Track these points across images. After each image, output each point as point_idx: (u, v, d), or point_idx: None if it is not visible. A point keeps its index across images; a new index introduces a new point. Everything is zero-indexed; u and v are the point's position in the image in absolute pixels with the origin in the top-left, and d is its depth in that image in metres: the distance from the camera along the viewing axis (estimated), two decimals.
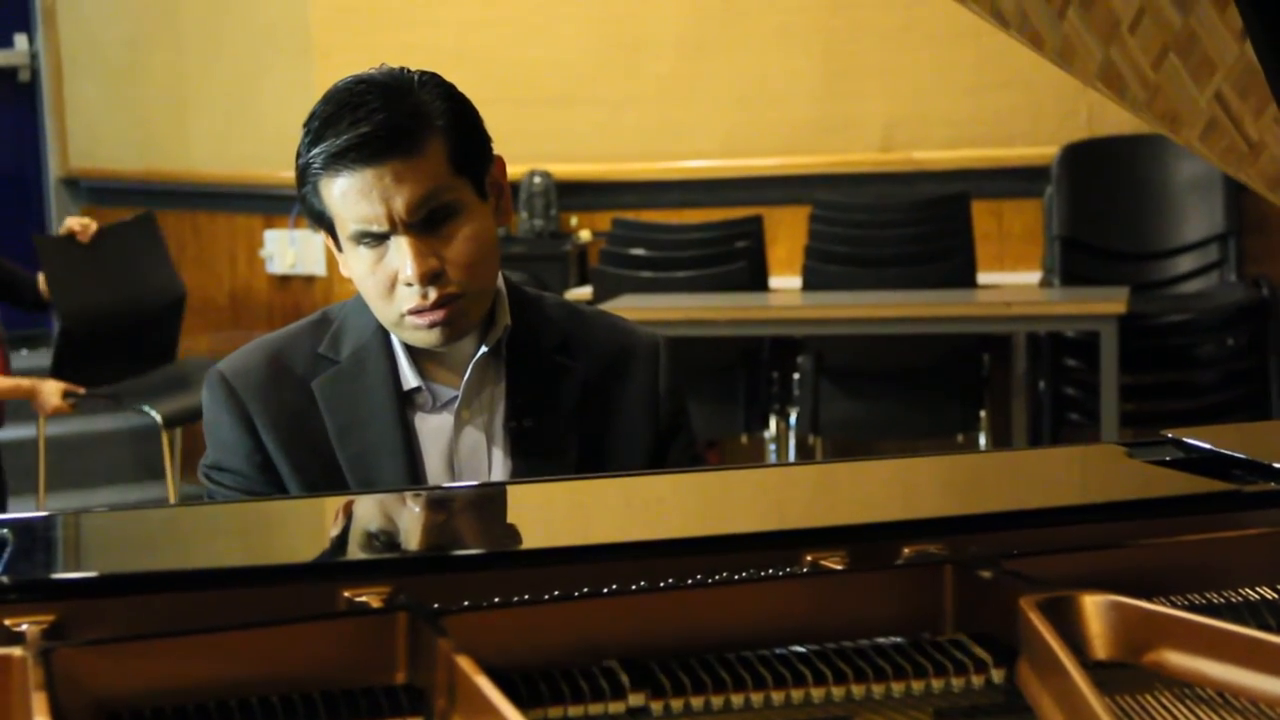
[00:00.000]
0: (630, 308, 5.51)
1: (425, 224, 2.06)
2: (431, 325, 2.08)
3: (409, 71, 2.11)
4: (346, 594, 1.48)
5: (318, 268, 7.16)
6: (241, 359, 2.18)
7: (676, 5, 6.84)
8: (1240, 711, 1.32)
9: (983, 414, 6.11)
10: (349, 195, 2.04)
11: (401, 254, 2.05)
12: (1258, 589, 1.52)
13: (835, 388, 6.18)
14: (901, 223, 6.32)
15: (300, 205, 2.14)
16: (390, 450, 2.11)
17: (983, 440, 6.09)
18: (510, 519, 1.73)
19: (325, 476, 2.10)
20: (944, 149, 6.63)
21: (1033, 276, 6.42)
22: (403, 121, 2.03)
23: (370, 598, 1.47)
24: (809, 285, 6.16)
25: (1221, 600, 1.52)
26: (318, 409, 2.14)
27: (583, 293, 6.26)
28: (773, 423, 6.26)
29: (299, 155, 2.09)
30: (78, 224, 6.27)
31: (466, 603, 1.43)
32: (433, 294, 2.07)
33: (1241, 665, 1.31)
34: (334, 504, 1.80)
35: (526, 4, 6.93)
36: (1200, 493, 1.52)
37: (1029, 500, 1.61)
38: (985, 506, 1.59)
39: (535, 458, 2.13)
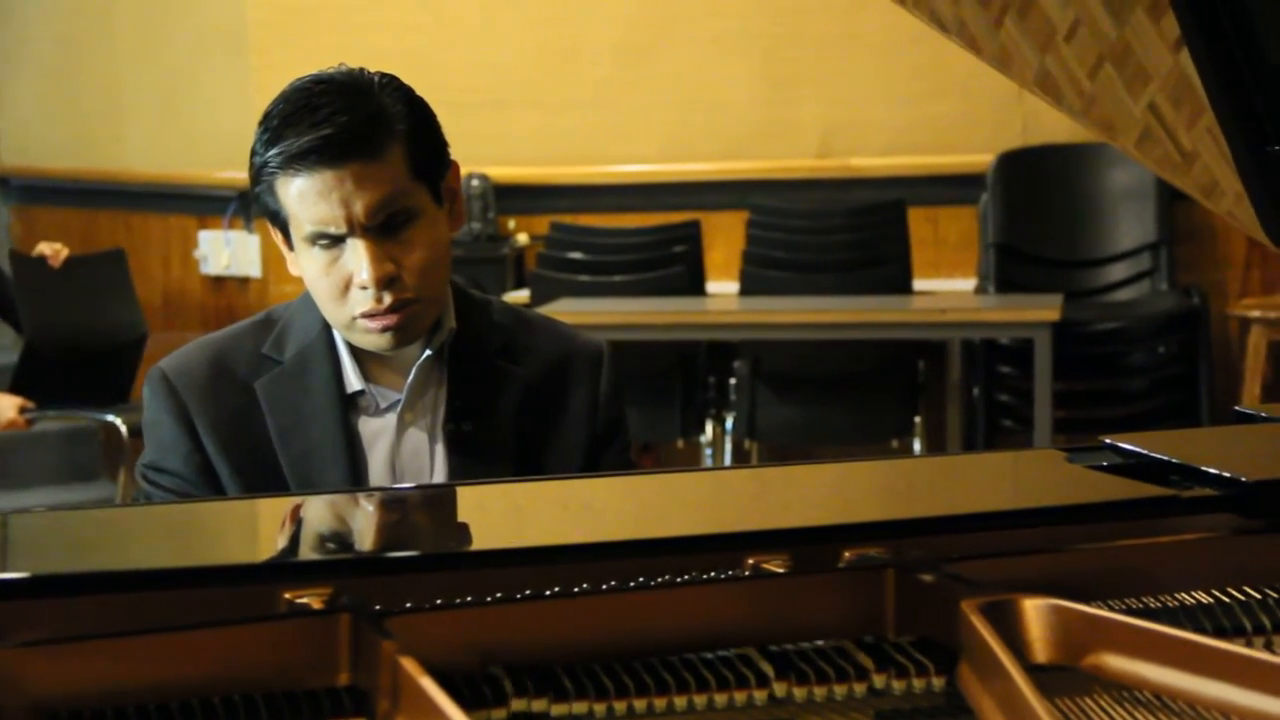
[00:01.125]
0: (567, 311, 5.51)
1: (383, 228, 2.05)
2: (384, 329, 2.08)
3: (368, 73, 2.10)
4: (287, 595, 1.47)
5: (253, 269, 7.12)
6: (183, 358, 2.17)
7: (615, 10, 6.84)
8: (1178, 714, 1.33)
9: (917, 419, 6.14)
10: (307, 196, 2.03)
11: (358, 257, 2.05)
12: (1193, 593, 1.54)
13: (771, 393, 6.20)
14: (838, 229, 6.35)
15: (254, 202, 2.13)
16: (332, 452, 2.10)
17: (917, 446, 6.13)
18: (452, 521, 1.73)
19: (266, 478, 2.09)
20: (881, 156, 6.66)
21: (968, 283, 6.46)
22: (364, 124, 2.03)
23: (311, 599, 1.46)
24: (746, 290, 6.18)
25: (1158, 605, 1.53)
26: (260, 409, 2.13)
27: (520, 296, 6.26)
28: (709, 427, 6.27)
29: (254, 153, 2.07)
30: (49, 249, 6.34)
31: (409, 604, 1.43)
32: (387, 298, 2.06)
33: (1180, 668, 1.33)
34: (274, 505, 1.79)
35: (465, 7, 6.92)
36: (1140, 498, 1.54)
37: (972, 504, 1.62)
38: (929, 510, 1.60)
39: (474, 461, 2.12)
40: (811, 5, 6.70)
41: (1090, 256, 6.42)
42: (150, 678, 1.31)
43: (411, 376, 2.14)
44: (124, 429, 6.11)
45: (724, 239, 6.67)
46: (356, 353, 2.15)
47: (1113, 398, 6.22)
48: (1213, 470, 1.59)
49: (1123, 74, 2.47)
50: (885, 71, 6.64)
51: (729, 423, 6.21)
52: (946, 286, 6.45)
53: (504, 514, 1.72)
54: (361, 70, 2.12)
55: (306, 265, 2.10)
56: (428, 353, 2.14)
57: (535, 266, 6.40)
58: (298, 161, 2.02)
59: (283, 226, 2.10)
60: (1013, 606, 1.38)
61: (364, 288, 2.05)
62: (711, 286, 6.42)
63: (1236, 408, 1.84)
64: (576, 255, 6.36)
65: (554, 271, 6.24)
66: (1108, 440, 1.74)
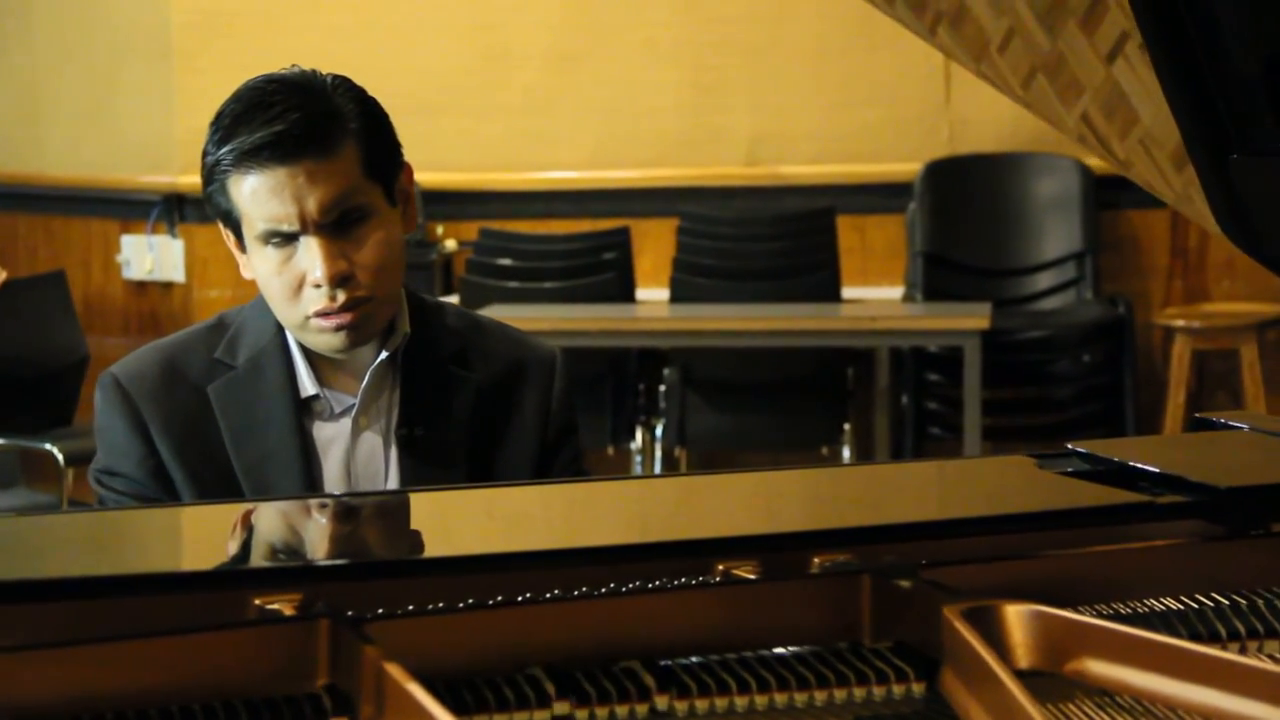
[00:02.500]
0: (496, 318, 5.48)
1: (336, 226, 2.04)
2: (338, 329, 2.06)
3: (321, 74, 2.09)
4: (257, 601, 1.45)
5: (177, 274, 7.06)
6: (135, 362, 2.14)
7: (544, 16, 6.83)
8: (1159, 719, 1.34)
9: (847, 426, 6.16)
10: (259, 193, 2.02)
11: (311, 255, 2.03)
12: (1163, 599, 1.55)
13: (701, 400, 6.20)
14: (767, 236, 6.37)
15: (206, 203, 2.11)
16: (287, 458, 2.09)
17: (846, 453, 6.15)
18: (419, 527, 1.71)
19: (220, 483, 2.07)
20: (809, 164, 6.68)
21: (895, 291, 6.49)
22: (318, 121, 2.02)
23: (282, 605, 1.45)
24: (676, 297, 6.19)
25: (1128, 610, 1.54)
26: (213, 414, 2.11)
27: (448, 302, 6.22)
28: (639, 434, 6.26)
29: (206, 153, 2.06)
30: None
31: (380, 610, 1.41)
32: (341, 296, 2.05)
33: (1163, 673, 1.33)
34: (239, 510, 1.77)
35: (393, 12, 6.89)
36: (1119, 503, 1.54)
37: (954, 510, 1.62)
38: (909, 516, 1.60)
39: (427, 466, 2.11)
40: (740, 14, 6.71)
41: (1016, 265, 6.47)
42: (127, 684, 1.29)
43: (366, 381, 2.12)
44: (60, 457, 5.96)
45: (653, 246, 6.67)
46: (310, 357, 2.14)
47: (1038, 406, 6.27)
48: (1186, 477, 1.59)
49: (1055, 84, 2.49)
50: (814, 80, 6.66)
51: (659, 430, 6.21)
52: (874, 295, 6.48)
53: (471, 520, 1.71)
54: (314, 71, 2.11)
55: (259, 265, 2.08)
56: (383, 356, 2.13)
57: (464, 272, 6.38)
58: (250, 159, 2.01)
59: (235, 227, 2.09)
60: (995, 612, 1.38)
61: (317, 285, 2.04)
62: (641, 294, 6.42)
63: (1197, 414, 1.85)
64: (506, 262, 6.34)
65: (483, 278, 6.22)
66: (1073, 447, 1.74)
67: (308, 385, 2.13)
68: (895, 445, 6.19)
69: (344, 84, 2.09)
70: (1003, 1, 2.44)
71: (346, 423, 2.13)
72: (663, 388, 6.23)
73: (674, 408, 6.18)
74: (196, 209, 6.99)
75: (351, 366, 2.15)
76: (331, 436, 2.13)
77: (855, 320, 5.84)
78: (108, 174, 7.19)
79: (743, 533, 1.56)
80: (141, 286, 7.21)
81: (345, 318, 2.06)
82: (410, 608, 1.42)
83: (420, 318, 2.18)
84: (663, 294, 6.33)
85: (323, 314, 2.05)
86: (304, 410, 2.13)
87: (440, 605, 1.43)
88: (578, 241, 6.42)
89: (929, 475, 1.84)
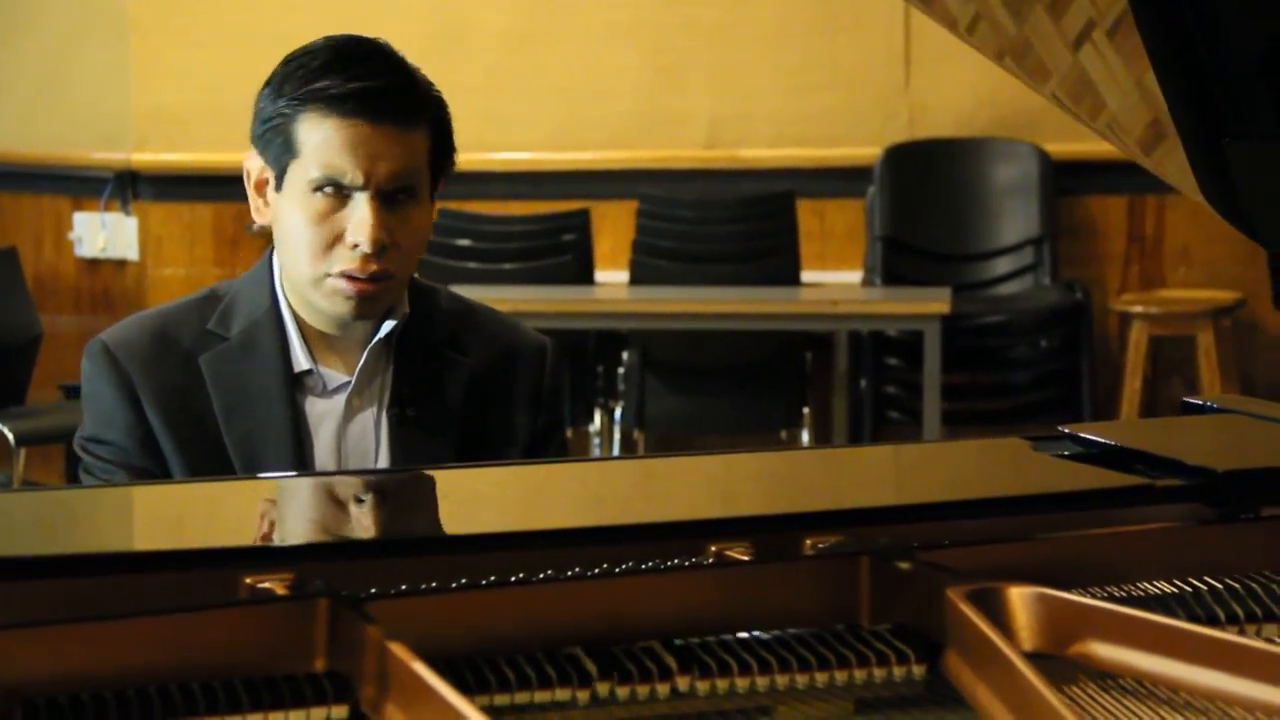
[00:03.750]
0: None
1: (390, 197, 2.05)
2: (357, 295, 2.06)
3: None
4: (248, 580, 1.43)
5: (130, 252, 7.00)
6: (125, 330, 2.13)
7: None
8: (1167, 702, 1.33)
9: (805, 410, 6.16)
10: (332, 140, 2.02)
11: (361, 215, 2.03)
12: (1159, 583, 1.54)
13: (660, 382, 6.19)
14: (727, 219, 6.36)
15: (256, 138, 2.09)
16: (278, 432, 2.07)
17: (805, 437, 6.15)
18: (417, 506, 1.70)
19: (209, 454, 2.06)
20: (768, 147, 6.68)
21: (854, 275, 6.49)
22: (409, 93, 2.05)
23: (274, 584, 1.43)
24: (636, 280, 6.18)
25: (1124, 594, 1.54)
26: (204, 386, 2.09)
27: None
28: (597, 417, 6.25)
29: (279, 85, 2.05)
30: None
31: (375, 590, 1.40)
32: (372, 265, 2.05)
33: (1167, 655, 1.33)
34: (232, 487, 1.75)
35: None
36: (1120, 486, 1.54)
37: (953, 493, 1.62)
38: (909, 499, 1.59)
39: (417, 447, 2.11)
40: None
41: (974, 250, 6.48)
42: (125, 663, 1.28)
43: (363, 359, 2.11)
44: (11, 437, 5.84)
45: (612, 228, 6.65)
46: (305, 332, 2.12)
47: (996, 391, 6.29)
48: (1184, 460, 1.59)
49: (1023, 67, 2.49)
50: (773, 63, 6.65)
51: (617, 413, 6.20)
52: (833, 278, 6.48)
53: (465, 500, 1.69)
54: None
55: (294, 210, 2.07)
56: (384, 330, 2.12)
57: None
58: (336, 104, 2.01)
59: (280, 165, 2.07)
60: (998, 594, 1.38)
61: (353, 246, 2.04)
62: (600, 275, 6.40)
63: (1185, 398, 1.85)
64: (464, 243, 6.31)
65: (441, 259, 6.19)
66: (1066, 430, 1.74)
67: (301, 360, 2.12)
68: (854, 429, 6.20)
69: (423, 74, 2.11)
70: None
71: (338, 399, 2.12)
72: (621, 370, 6.21)
73: (633, 390, 6.17)
74: (151, 186, 6.94)
75: (344, 344, 2.14)
76: (323, 413, 2.12)
77: (816, 304, 5.84)
78: (60, 150, 7.12)
79: (743, 513, 1.55)
80: (94, 264, 7.15)
81: (366, 287, 2.06)
82: (404, 587, 1.41)
83: (416, 300, 2.18)
84: (622, 276, 6.32)
85: (348, 276, 2.05)
86: (296, 385, 2.11)
87: (434, 585, 1.42)
88: (536, 223, 6.40)
89: (924, 457, 1.84)
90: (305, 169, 2.04)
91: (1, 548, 1.44)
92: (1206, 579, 1.54)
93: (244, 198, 2.15)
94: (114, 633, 1.28)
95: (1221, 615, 1.48)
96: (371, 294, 2.07)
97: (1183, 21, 1.76)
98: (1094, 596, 1.50)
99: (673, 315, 5.82)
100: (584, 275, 6.26)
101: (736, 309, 5.74)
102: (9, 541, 1.47)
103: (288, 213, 2.07)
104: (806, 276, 6.28)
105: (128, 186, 6.98)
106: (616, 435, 6.21)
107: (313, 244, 2.05)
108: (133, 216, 6.98)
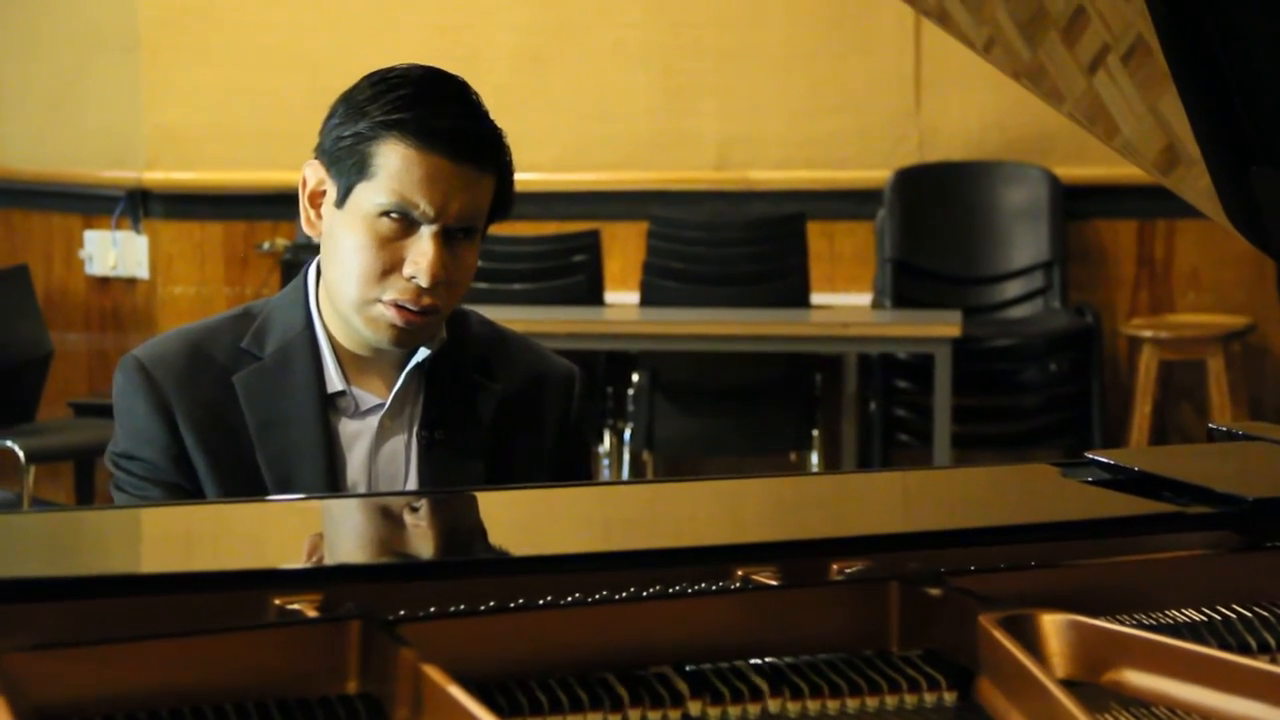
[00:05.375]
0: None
1: (452, 235, 2.07)
2: (405, 324, 2.07)
3: None
4: (277, 602, 1.43)
5: (140, 270, 7.00)
6: (159, 346, 2.13)
7: (514, 17, 6.81)
8: None
9: (815, 433, 6.16)
10: (412, 170, 2.02)
11: (424, 249, 2.04)
12: (1189, 611, 1.54)
13: (670, 404, 6.19)
14: (738, 241, 6.36)
15: (325, 148, 2.10)
16: (311, 451, 2.08)
17: (814, 459, 6.14)
18: (448, 528, 1.70)
19: (242, 472, 2.06)
20: (778, 169, 6.68)
21: (863, 298, 6.49)
22: (489, 139, 2.09)
23: (303, 606, 1.43)
24: (646, 301, 6.17)
25: (1153, 621, 1.53)
26: (238, 403, 2.10)
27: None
28: (606, 438, 6.24)
29: (363, 105, 2.06)
30: None
31: (403, 612, 1.40)
32: (425, 299, 2.06)
33: (1200, 683, 1.32)
34: (264, 509, 1.75)
35: (361, 10, 6.85)
36: (1152, 513, 1.54)
37: (987, 518, 1.61)
38: (943, 524, 1.59)
39: (447, 470, 2.12)
40: (710, 18, 6.70)
41: (984, 274, 6.48)
42: (156, 684, 1.28)
43: (401, 382, 2.12)
44: (21, 454, 5.82)
45: (622, 249, 6.65)
46: (338, 353, 2.13)
47: (1005, 414, 6.28)
48: (1213, 487, 1.59)
49: (1038, 89, 2.49)
50: (783, 85, 6.66)
51: (627, 434, 6.20)
52: (842, 301, 6.48)
53: (495, 523, 1.69)
54: None
55: (356, 231, 2.07)
56: (419, 358, 2.13)
57: None
58: (426, 137, 2.02)
59: (347, 185, 2.07)
60: (1031, 621, 1.38)
61: (412, 278, 2.04)
62: (610, 296, 6.40)
63: (1211, 425, 1.85)
64: None
65: None
66: (1093, 455, 1.74)
67: (335, 381, 2.13)
68: (863, 452, 6.19)
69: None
70: (983, 11, 2.44)
71: (370, 421, 2.13)
72: (631, 391, 6.21)
73: (642, 412, 6.16)
74: (161, 204, 6.95)
75: (378, 366, 2.15)
76: (355, 434, 2.13)
77: (826, 327, 5.84)
78: (71, 168, 7.13)
79: (773, 539, 1.55)
80: (104, 282, 7.15)
81: (415, 319, 2.07)
82: (433, 610, 1.41)
83: (449, 324, 2.18)
84: (632, 297, 6.32)
85: (399, 305, 2.06)
86: (329, 405, 2.12)
87: (463, 608, 1.42)
88: (547, 244, 6.40)
89: (952, 483, 1.83)
90: (375, 192, 2.04)
91: (30, 568, 1.44)
92: (1237, 607, 1.54)
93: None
94: (149, 653, 1.27)
95: (1253, 643, 1.48)
96: (419, 326, 2.08)
97: (1209, 48, 1.77)
98: (1124, 624, 1.50)
99: (682, 337, 5.82)
100: (594, 296, 6.26)
101: (746, 331, 5.74)
102: (39, 562, 1.47)
103: (346, 232, 2.07)
104: (816, 299, 6.28)
105: (138, 205, 6.98)
106: (626, 456, 6.20)
107: (368, 268, 2.05)
108: (143, 235, 6.99)
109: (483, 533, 1.66)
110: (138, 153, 6.93)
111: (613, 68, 6.76)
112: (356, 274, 2.06)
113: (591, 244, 6.35)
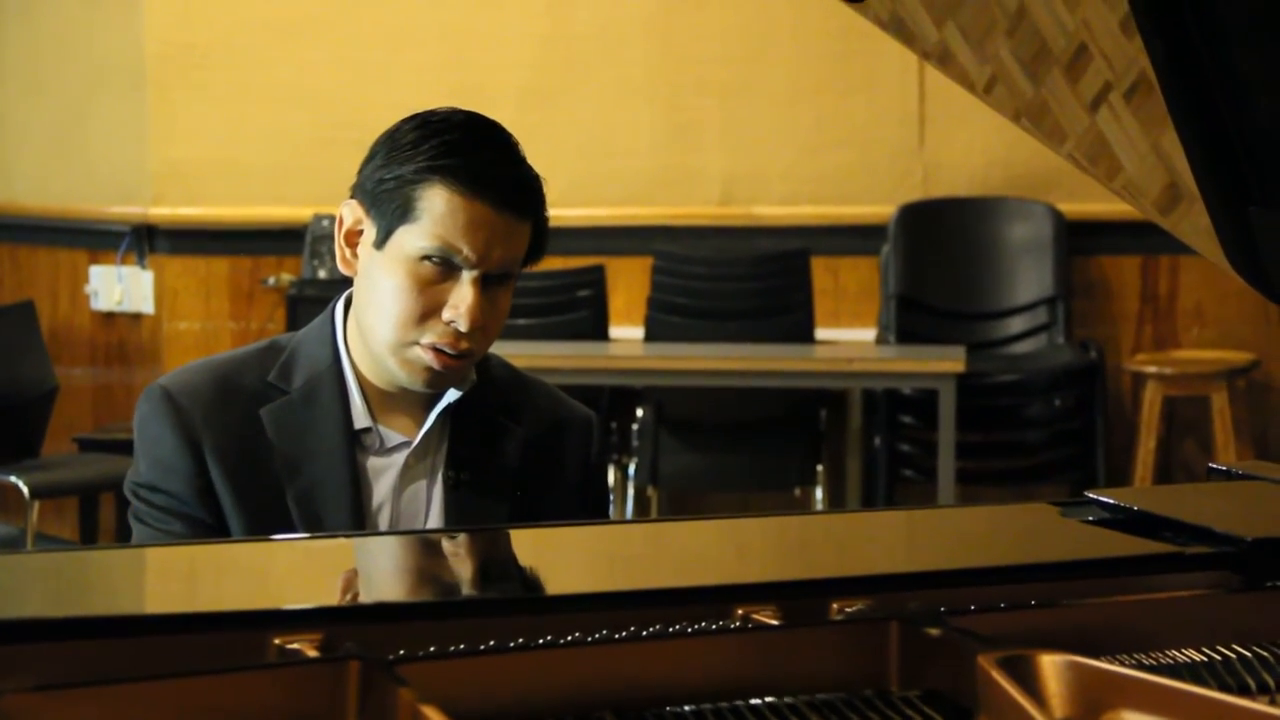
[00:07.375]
0: None
1: (490, 282, 2.08)
2: (440, 367, 2.08)
3: None
4: (277, 641, 1.44)
5: (146, 305, 7.02)
6: (186, 376, 2.13)
7: (519, 54, 6.83)
8: None
9: (820, 468, 6.16)
10: (456, 216, 2.03)
11: (465, 295, 2.05)
12: (1188, 651, 1.54)
13: (674, 439, 6.19)
14: (742, 276, 6.37)
15: (367, 186, 2.10)
16: (338, 488, 2.08)
17: (819, 494, 6.14)
18: (450, 568, 1.70)
19: (267, 506, 2.05)
20: (783, 205, 6.69)
21: (868, 333, 6.50)
22: (531, 188, 2.10)
23: (302, 645, 1.43)
24: (650, 336, 6.18)
25: (1152, 661, 1.53)
26: (264, 436, 2.09)
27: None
28: (611, 473, 6.25)
29: (408, 148, 2.07)
30: None
31: (403, 651, 1.40)
32: (463, 343, 2.07)
33: None
34: (265, 548, 1.75)
35: (367, 47, 6.87)
36: (1152, 553, 1.54)
37: (986, 558, 1.62)
38: (942, 564, 1.59)
39: (469, 511, 2.13)
40: (714, 54, 6.72)
41: (988, 309, 6.49)
42: None
43: (430, 422, 2.13)
44: (25, 490, 5.81)
45: (627, 284, 6.66)
46: (365, 390, 2.13)
47: (1010, 450, 6.28)
48: (1212, 527, 1.59)
49: (1040, 128, 2.50)
50: (787, 121, 6.68)
51: (631, 469, 6.20)
52: (846, 336, 6.49)
53: (495, 562, 1.69)
54: None
55: (396, 274, 2.07)
56: (448, 399, 2.13)
57: None
58: (471, 183, 2.04)
59: (389, 227, 2.07)
60: (1030, 662, 1.38)
61: (451, 323, 2.05)
62: (615, 332, 6.41)
63: (1211, 464, 1.86)
64: None
65: None
66: (1092, 495, 1.74)
67: (361, 417, 2.13)
68: (868, 487, 6.19)
69: None
70: (986, 49, 2.45)
71: (395, 458, 2.14)
72: (635, 426, 6.21)
73: (647, 447, 6.16)
74: (167, 240, 6.96)
75: (404, 404, 2.16)
76: (379, 471, 2.13)
77: (831, 362, 5.85)
78: (77, 204, 7.15)
79: (773, 578, 1.55)
80: (110, 317, 7.16)
81: (450, 362, 2.08)
82: (433, 649, 1.41)
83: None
84: (637, 332, 6.33)
85: (436, 349, 2.07)
86: (354, 441, 2.13)
87: (462, 648, 1.42)
88: (552, 279, 6.41)
89: (952, 522, 1.84)
90: (418, 236, 2.05)
91: (31, 609, 1.45)
92: (1236, 647, 1.54)
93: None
94: (149, 694, 1.28)
95: (1252, 684, 1.48)
96: (454, 370, 2.09)
97: (1208, 89, 1.77)
98: (1123, 664, 1.50)
99: (687, 372, 5.83)
100: (599, 331, 6.27)
101: (751, 366, 5.75)
102: (40, 603, 1.47)
103: (385, 274, 2.07)
104: (820, 334, 6.29)
105: (144, 240, 7.00)
106: (630, 491, 6.20)
107: (407, 311, 2.06)
108: (149, 270, 7.00)
109: (483, 572, 1.66)
110: (144, 188, 6.95)
111: (618, 104, 6.79)
112: (395, 316, 2.07)
113: (596, 279, 6.36)
